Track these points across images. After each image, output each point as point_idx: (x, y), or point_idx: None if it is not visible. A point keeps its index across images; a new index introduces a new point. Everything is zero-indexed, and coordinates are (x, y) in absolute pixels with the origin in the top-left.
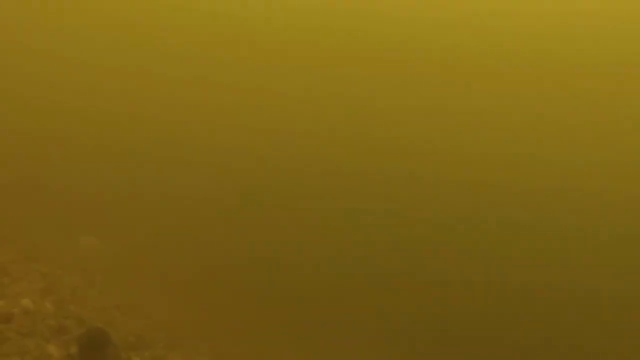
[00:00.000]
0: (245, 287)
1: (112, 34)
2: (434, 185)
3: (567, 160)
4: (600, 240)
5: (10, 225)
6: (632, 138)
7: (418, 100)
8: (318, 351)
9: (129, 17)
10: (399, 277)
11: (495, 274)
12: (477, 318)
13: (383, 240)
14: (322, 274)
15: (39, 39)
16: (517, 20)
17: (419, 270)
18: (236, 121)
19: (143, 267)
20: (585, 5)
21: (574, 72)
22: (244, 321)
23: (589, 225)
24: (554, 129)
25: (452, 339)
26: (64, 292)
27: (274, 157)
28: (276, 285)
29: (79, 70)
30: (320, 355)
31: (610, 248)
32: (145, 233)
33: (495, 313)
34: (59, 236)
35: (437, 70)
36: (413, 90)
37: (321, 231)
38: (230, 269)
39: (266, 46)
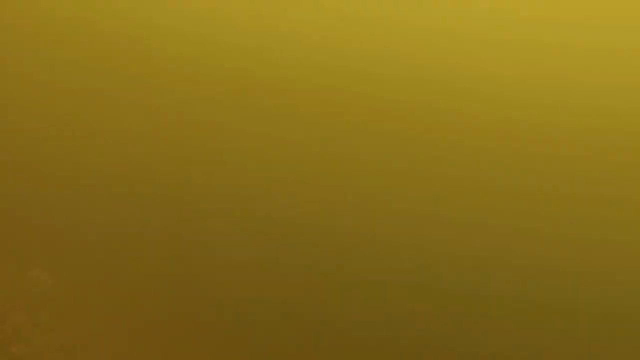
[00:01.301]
0: (200, 331)
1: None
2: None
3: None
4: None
5: None
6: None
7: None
8: None
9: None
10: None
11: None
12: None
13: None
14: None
15: None
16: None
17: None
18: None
19: (93, 307)
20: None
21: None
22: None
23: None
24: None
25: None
26: (7, 332)
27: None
28: (237, 326)
29: (26, 89)
30: None
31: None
32: (98, 270)
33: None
34: (5, 270)
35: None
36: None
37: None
38: (187, 307)
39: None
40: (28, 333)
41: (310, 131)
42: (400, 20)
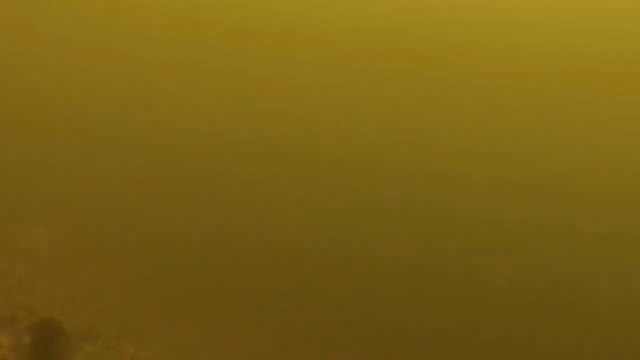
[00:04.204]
0: (197, 278)
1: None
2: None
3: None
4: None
5: None
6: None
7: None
8: (269, 340)
9: None
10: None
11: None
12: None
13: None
14: (275, 265)
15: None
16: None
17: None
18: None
19: (94, 259)
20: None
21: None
22: (194, 311)
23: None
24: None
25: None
26: (13, 283)
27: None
28: (228, 276)
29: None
30: (271, 345)
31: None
32: (97, 224)
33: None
34: (6, 227)
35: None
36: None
37: (277, 219)
38: (183, 261)
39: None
40: (34, 284)
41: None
42: None
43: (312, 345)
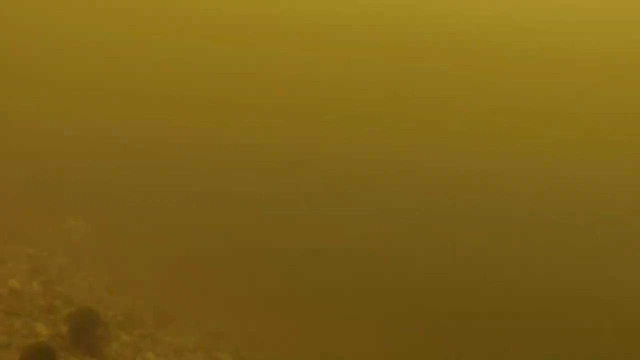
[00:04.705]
0: (233, 268)
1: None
2: (435, 181)
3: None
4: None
5: None
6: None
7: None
8: (306, 332)
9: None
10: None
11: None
12: (485, 315)
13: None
14: (312, 258)
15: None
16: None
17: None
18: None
19: (130, 249)
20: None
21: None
22: (231, 301)
23: (591, 223)
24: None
25: (458, 332)
26: (51, 273)
27: (267, 150)
28: (265, 267)
29: (80, 65)
30: (309, 337)
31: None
32: (131, 215)
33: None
34: (45, 218)
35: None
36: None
37: (315, 216)
38: (219, 250)
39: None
40: (72, 274)
41: None
42: None
43: (341, 330)
